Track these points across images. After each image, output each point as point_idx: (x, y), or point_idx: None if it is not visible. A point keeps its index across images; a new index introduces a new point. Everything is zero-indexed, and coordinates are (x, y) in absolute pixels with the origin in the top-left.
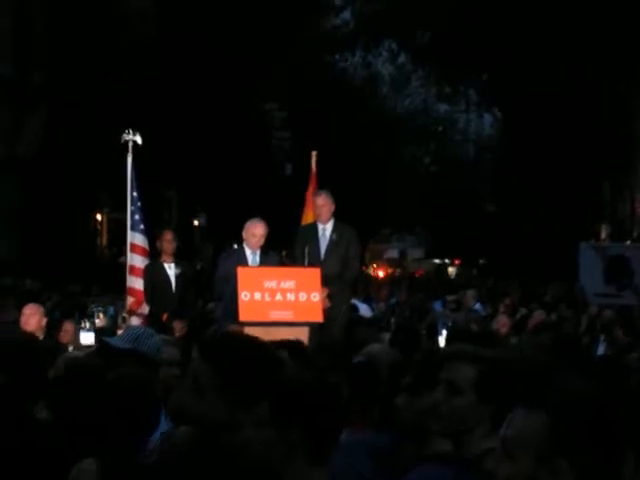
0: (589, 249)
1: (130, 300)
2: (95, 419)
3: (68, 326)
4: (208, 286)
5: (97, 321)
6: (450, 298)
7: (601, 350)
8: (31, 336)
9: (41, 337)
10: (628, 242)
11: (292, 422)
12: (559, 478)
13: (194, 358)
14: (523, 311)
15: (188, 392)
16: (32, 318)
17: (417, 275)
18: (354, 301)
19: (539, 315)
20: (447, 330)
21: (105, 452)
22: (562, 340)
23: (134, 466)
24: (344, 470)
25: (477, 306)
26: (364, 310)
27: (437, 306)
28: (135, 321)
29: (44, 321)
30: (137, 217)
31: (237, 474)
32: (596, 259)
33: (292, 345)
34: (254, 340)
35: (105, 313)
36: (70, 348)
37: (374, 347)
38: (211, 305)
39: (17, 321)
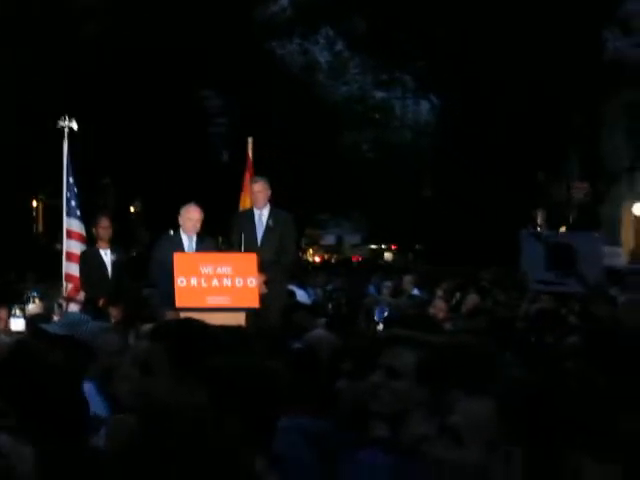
0: (530, 236)
1: (69, 287)
2: (31, 405)
3: (2, 313)
4: (144, 272)
5: (32, 306)
6: (387, 283)
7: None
8: None
9: None
10: (563, 228)
11: (231, 408)
12: (510, 464)
13: (137, 342)
14: (458, 296)
15: (137, 376)
16: None
17: (354, 260)
18: (291, 286)
19: (472, 299)
20: (385, 315)
21: (43, 439)
22: (496, 324)
23: (74, 452)
24: (283, 456)
25: (415, 291)
26: (301, 296)
27: (371, 290)
28: (73, 307)
29: None
30: (73, 203)
31: (188, 459)
32: (537, 246)
33: (231, 330)
34: (203, 324)
35: (41, 299)
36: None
37: (315, 333)
38: (147, 291)
39: None
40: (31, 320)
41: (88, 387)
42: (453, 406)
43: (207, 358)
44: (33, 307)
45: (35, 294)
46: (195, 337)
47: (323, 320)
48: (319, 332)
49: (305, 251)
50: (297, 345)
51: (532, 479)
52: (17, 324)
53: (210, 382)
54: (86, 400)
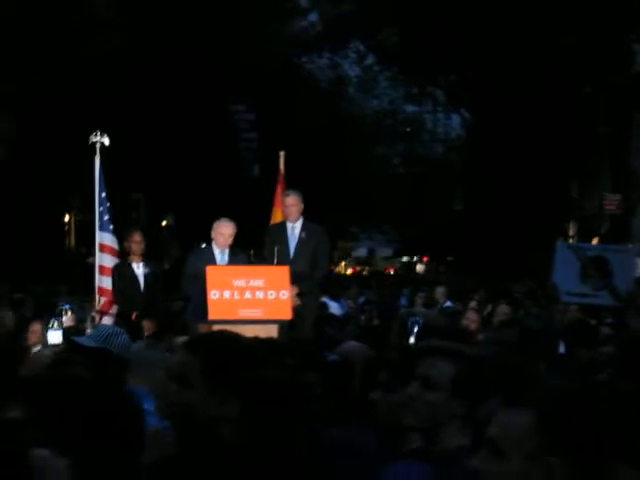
0: (566, 248)
1: (102, 300)
2: (71, 419)
3: (36, 327)
4: (176, 285)
5: (65, 319)
6: (421, 294)
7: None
8: (4, 333)
9: None
10: (595, 240)
11: (264, 421)
12: (550, 475)
13: (172, 355)
14: (489, 308)
15: (173, 388)
16: None
17: (386, 272)
18: (324, 299)
19: (503, 310)
20: (418, 327)
21: (79, 451)
22: (528, 336)
23: (111, 465)
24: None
25: (448, 303)
26: (334, 308)
27: (403, 302)
28: (106, 321)
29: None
30: (106, 218)
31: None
32: (573, 258)
33: (264, 342)
34: (237, 337)
35: (74, 311)
36: (36, 349)
37: (348, 344)
38: (178, 304)
39: None
40: (65, 333)
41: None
42: (490, 418)
43: (240, 371)
44: (66, 320)
45: (68, 307)
46: (229, 349)
47: (355, 332)
48: (352, 344)
49: (337, 264)
50: (331, 357)
51: None
52: (54, 337)
53: (242, 394)
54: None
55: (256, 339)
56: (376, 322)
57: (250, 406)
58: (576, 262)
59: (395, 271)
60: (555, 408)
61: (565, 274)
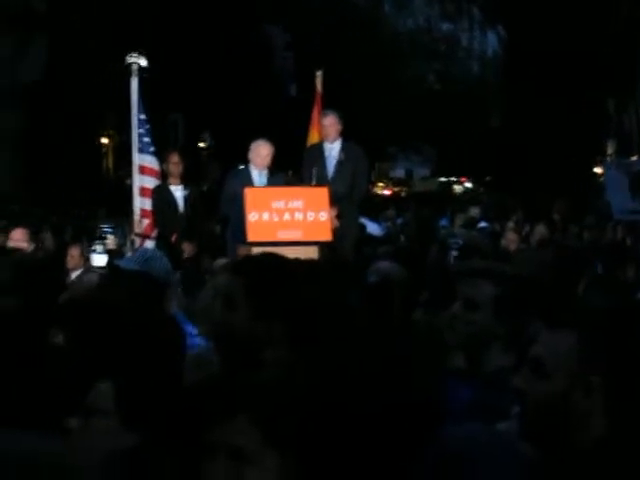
0: (614, 167)
1: (145, 222)
2: (111, 342)
3: (74, 251)
4: (215, 207)
5: (108, 242)
6: (460, 215)
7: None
8: (44, 260)
9: None
10: (635, 157)
11: (310, 341)
12: (592, 395)
13: (213, 277)
14: (527, 228)
15: (218, 309)
16: (16, 242)
17: (423, 192)
18: (363, 220)
19: (540, 231)
20: (458, 247)
21: (121, 374)
22: (563, 255)
23: (153, 388)
24: None
25: (482, 223)
26: (374, 229)
27: (444, 222)
28: (149, 244)
29: (30, 245)
30: (146, 139)
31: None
32: (621, 176)
33: (307, 264)
34: (283, 259)
35: (115, 235)
36: (75, 273)
37: (383, 264)
38: (218, 226)
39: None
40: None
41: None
42: (534, 338)
43: (285, 292)
44: (108, 243)
45: (109, 230)
46: (274, 271)
47: (390, 250)
48: (385, 264)
49: (374, 184)
50: (372, 278)
51: (613, 408)
52: (99, 260)
53: (286, 315)
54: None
55: (298, 261)
56: (416, 243)
57: (294, 327)
58: (625, 179)
59: (432, 192)
60: (595, 327)
61: (616, 192)
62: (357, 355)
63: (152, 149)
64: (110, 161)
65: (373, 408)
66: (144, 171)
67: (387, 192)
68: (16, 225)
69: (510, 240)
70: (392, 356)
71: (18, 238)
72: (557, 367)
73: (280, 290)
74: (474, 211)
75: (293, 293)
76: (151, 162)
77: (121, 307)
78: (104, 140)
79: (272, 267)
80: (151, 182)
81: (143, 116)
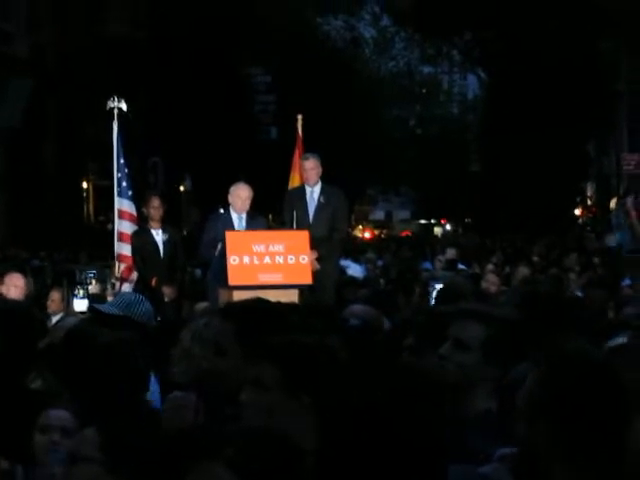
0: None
1: (122, 266)
2: (93, 385)
3: (55, 295)
4: (195, 250)
5: (90, 287)
6: (440, 257)
7: None
8: (25, 304)
9: None
10: (614, 200)
11: (303, 386)
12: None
13: (196, 321)
14: (507, 269)
15: (206, 355)
16: (14, 288)
17: (403, 235)
18: (345, 262)
19: (522, 272)
20: (437, 290)
21: (105, 419)
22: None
23: (139, 432)
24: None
25: (460, 265)
26: (357, 270)
27: (427, 266)
28: (127, 288)
29: (25, 290)
30: (124, 184)
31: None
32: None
33: (291, 308)
34: (270, 304)
35: (97, 280)
36: (55, 317)
37: (360, 308)
38: (197, 271)
39: None
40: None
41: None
42: (520, 382)
43: (275, 336)
44: (91, 288)
45: (92, 275)
46: (264, 316)
47: (370, 293)
48: (360, 307)
49: (355, 227)
50: (353, 321)
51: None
52: (80, 305)
53: (280, 360)
54: (144, 377)
55: (284, 304)
56: (395, 285)
57: (287, 371)
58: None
59: (412, 234)
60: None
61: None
62: (365, 396)
63: (130, 193)
64: (91, 205)
65: (376, 451)
66: (122, 215)
67: (367, 234)
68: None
69: (491, 282)
70: (398, 398)
71: (17, 284)
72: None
73: (271, 334)
74: (451, 252)
75: (284, 336)
76: (129, 206)
77: (103, 352)
78: (84, 184)
79: (261, 311)
80: (128, 227)
81: (122, 160)
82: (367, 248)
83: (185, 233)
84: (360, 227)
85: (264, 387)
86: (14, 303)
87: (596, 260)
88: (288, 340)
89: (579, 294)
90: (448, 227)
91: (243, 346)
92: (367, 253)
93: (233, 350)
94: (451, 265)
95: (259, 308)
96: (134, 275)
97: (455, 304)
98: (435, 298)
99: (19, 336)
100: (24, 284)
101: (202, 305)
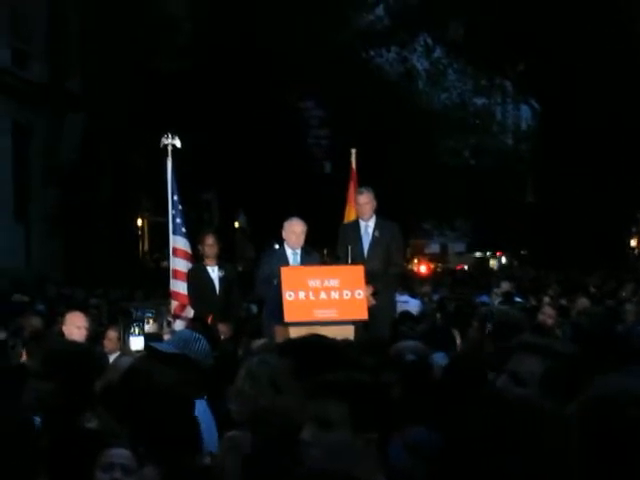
0: None
1: (174, 304)
2: (152, 425)
3: (111, 334)
4: (251, 287)
5: (147, 327)
6: (496, 290)
7: None
8: (83, 345)
9: None
10: None
11: (371, 424)
12: None
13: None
14: (563, 302)
15: (264, 393)
16: (77, 329)
17: (458, 269)
18: (403, 297)
19: (583, 303)
20: (494, 324)
21: (165, 458)
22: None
23: (197, 470)
24: (399, 471)
25: (516, 298)
26: (415, 305)
27: (484, 299)
28: (180, 325)
29: (87, 330)
30: (178, 220)
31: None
32: None
33: (348, 344)
34: (325, 340)
35: (155, 319)
36: (112, 356)
37: (413, 344)
38: (253, 307)
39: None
40: (146, 339)
41: (200, 405)
42: None
43: (337, 374)
44: (148, 327)
45: (150, 314)
46: (320, 353)
47: (427, 329)
48: (413, 343)
49: (410, 261)
50: (410, 357)
51: None
52: (136, 343)
53: (348, 397)
54: (196, 419)
55: (339, 341)
56: (452, 319)
57: (352, 407)
58: None
59: (468, 267)
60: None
61: None
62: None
63: (184, 231)
64: (146, 242)
65: None
66: (176, 253)
67: (423, 268)
68: (57, 307)
69: (547, 315)
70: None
71: (79, 324)
72: None
73: (327, 370)
74: (506, 285)
75: (349, 373)
76: (183, 244)
77: (161, 392)
78: (139, 221)
79: (317, 348)
80: (182, 264)
81: (176, 197)
82: (423, 282)
83: (241, 269)
84: (415, 261)
85: (330, 425)
86: (72, 345)
87: None
88: (354, 377)
89: None
90: (504, 260)
91: (300, 383)
92: (423, 287)
93: (290, 387)
94: (508, 298)
95: (315, 344)
96: (188, 312)
97: (512, 338)
98: (492, 332)
99: (76, 378)
100: (87, 324)
101: (259, 342)
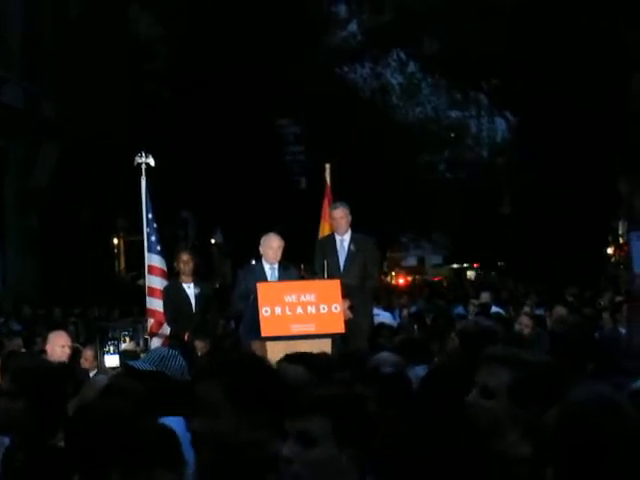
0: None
1: (150, 322)
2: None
3: (88, 352)
4: (228, 303)
5: (124, 345)
6: (474, 302)
7: None
8: (55, 364)
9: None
10: None
11: (354, 439)
12: None
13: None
14: (540, 311)
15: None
16: (59, 347)
17: (436, 280)
18: (376, 310)
19: (559, 312)
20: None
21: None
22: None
23: None
24: None
25: (494, 308)
26: (387, 318)
27: (459, 310)
28: (156, 342)
29: (70, 349)
30: (153, 239)
31: None
32: None
33: (311, 358)
34: (261, 360)
35: (132, 338)
36: (91, 373)
37: (388, 355)
38: (232, 322)
39: (43, 350)
40: (122, 356)
41: (177, 423)
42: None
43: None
44: (125, 345)
45: (126, 333)
46: (254, 374)
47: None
48: (387, 354)
49: (387, 274)
50: (386, 369)
51: None
52: (111, 361)
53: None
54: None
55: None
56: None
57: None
58: None
59: (444, 279)
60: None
61: None
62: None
63: (159, 248)
64: (122, 261)
65: None
66: (152, 271)
67: (401, 281)
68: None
69: (524, 325)
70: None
71: (62, 343)
72: None
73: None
74: (485, 296)
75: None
76: (159, 261)
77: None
78: (115, 240)
79: (248, 370)
80: (158, 282)
81: (151, 215)
82: (401, 294)
83: (218, 286)
84: (393, 274)
85: (313, 441)
86: (42, 363)
87: None
88: (334, 392)
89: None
90: (476, 272)
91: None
92: (400, 299)
93: (223, 409)
94: (484, 309)
95: (251, 364)
96: (164, 329)
97: (482, 349)
98: (461, 343)
99: (47, 396)
100: (70, 343)
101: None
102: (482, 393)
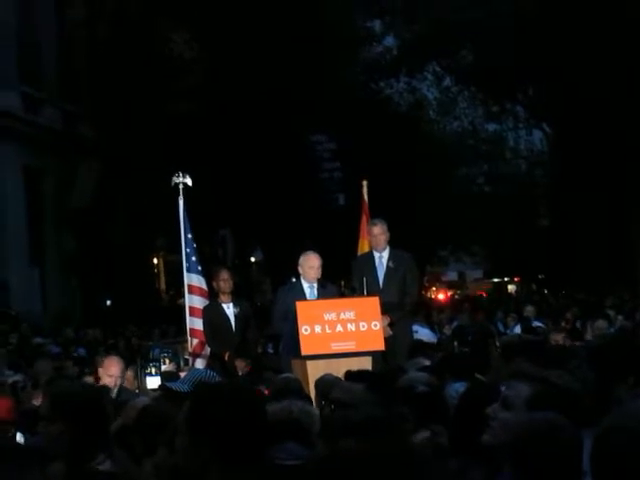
0: None
1: (194, 342)
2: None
3: (128, 373)
4: (268, 322)
5: (164, 367)
6: (514, 315)
7: None
8: (96, 388)
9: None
10: None
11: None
12: None
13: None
14: (578, 324)
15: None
16: (108, 377)
17: (477, 295)
18: (416, 326)
19: (601, 325)
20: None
21: None
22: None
23: None
24: None
25: (536, 322)
26: (427, 334)
27: (500, 325)
28: (199, 363)
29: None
30: (193, 259)
31: None
32: None
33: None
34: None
35: (171, 358)
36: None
37: (421, 375)
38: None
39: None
40: (162, 378)
41: None
42: None
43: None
44: (165, 367)
45: (166, 354)
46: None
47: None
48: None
49: (428, 289)
50: (420, 388)
51: None
52: (152, 382)
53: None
54: None
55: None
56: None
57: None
58: None
59: (485, 293)
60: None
61: None
62: None
63: (199, 268)
64: (162, 281)
65: None
66: (192, 290)
67: (441, 296)
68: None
69: (555, 340)
70: None
71: (111, 372)
72: None
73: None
74: (529, 309)
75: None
76: (198, 281)
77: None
78: (155, 260)
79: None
80: (199, 301)
81: (190, 235)
82: (442, 310)
83: (258, 304)
84: (433, 289)
85: None
86: (80, 387)
87: None
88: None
89: None
90: (517, 285)
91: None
92: (440, 315)
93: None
94: (525, 323)
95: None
96: (207, 350)
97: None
98: (503, 357)
99: (85, 420)
100: (118, 373)
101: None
102: (503, 405)
